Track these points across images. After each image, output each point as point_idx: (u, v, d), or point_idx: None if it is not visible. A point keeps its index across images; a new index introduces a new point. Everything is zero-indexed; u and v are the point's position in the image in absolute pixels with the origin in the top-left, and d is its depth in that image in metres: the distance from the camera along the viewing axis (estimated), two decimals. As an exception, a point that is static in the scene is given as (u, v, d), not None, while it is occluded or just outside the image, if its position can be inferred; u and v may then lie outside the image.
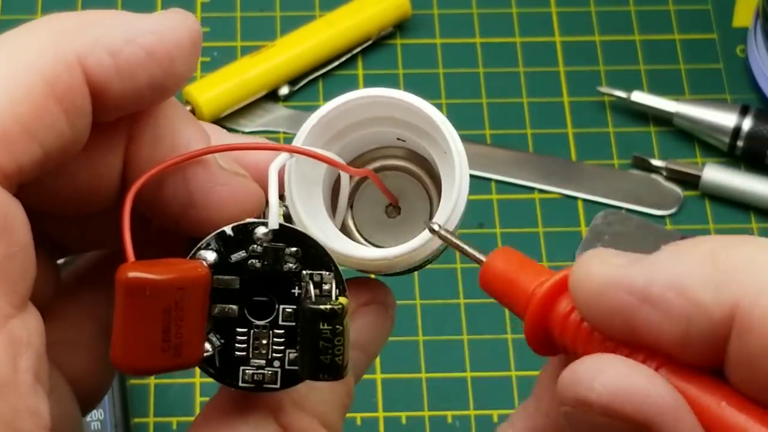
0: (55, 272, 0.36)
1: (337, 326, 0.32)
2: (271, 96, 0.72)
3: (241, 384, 0.33)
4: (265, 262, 0.33)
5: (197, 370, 0.33)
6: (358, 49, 0.73)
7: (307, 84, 0.73)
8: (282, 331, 0.33)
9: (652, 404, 0.26)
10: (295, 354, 0.33)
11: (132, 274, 0.30)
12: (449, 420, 0.63)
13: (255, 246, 0.33)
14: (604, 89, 0.72)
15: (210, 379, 0.33)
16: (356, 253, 0.35)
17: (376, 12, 0.73)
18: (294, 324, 0.33)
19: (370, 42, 0.73)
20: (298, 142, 0.35)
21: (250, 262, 0.33)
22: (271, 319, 0.33)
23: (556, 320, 0.30)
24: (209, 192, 0.33)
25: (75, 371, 0.35)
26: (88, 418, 0.58)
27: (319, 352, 0.32)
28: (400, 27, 0.74)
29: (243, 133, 0.70)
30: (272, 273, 0.33)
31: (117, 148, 0.33)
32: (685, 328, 0.26)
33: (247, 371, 0.33)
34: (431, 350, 0.64)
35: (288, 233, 0.33)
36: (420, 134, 0.36)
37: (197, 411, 0.63)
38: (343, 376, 0.32)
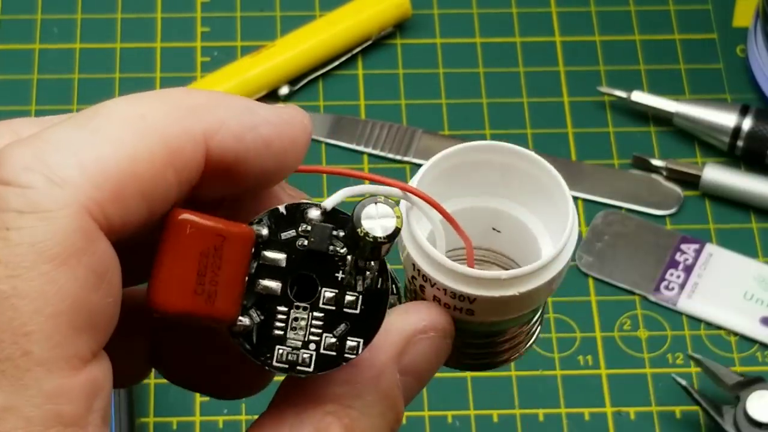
0: None
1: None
2: (271, 96, 0.72)
3: (275, 363, 0.32)
4: (312, 239, 0.33)
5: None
6: (358, 49, 0.73)
7: (307, 84, 0.73)
8: (321, 314, 0.33)
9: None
10: (333, 339, 0.32)
11: (182, 216, 0.31)
12: (449, 420, 0.63)
13: (305, 225, 0.33)
14: (604, 89, 0.72)
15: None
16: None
17: (376, 12, 0.73)
18: (334, 308, 0.33)
19: (370, 42, 0.73)
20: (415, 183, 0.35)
21: (298, 241, 0.33)
22: (312, 301, 0.33)
23: None
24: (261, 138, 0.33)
25: None
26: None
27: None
28: (400, 27, 0.74)
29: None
30: (318, 252, 0.33)
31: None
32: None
33: (281, 351, 0.32)
34: (431, 350, 0.64)
35: (340, 219, 0.33)
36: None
37: (197, 411, 0.63)
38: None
